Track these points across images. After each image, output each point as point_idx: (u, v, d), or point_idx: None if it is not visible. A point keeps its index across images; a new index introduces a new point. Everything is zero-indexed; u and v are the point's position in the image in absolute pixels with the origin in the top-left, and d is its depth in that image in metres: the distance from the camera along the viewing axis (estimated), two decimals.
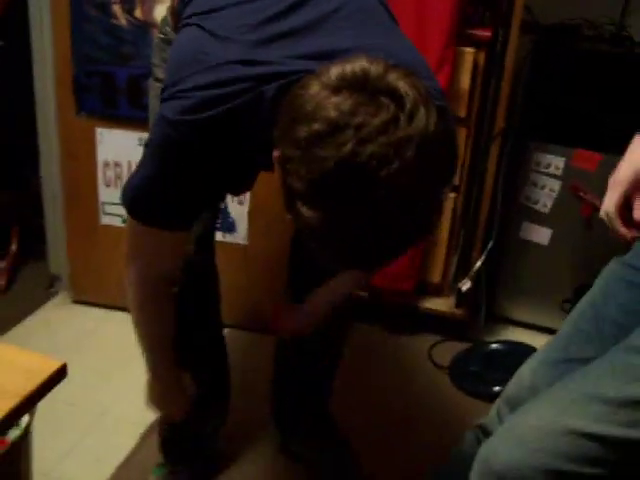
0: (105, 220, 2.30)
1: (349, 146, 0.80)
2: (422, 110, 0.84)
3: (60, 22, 2.08)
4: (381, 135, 0.81)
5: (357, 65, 0.86)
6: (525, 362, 1.20)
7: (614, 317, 1.05)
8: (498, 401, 1.24)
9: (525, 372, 1.18)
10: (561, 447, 0.91)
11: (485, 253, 2.27)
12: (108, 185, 2.25)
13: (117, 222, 2.26)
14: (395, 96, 0.84)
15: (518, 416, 1.01)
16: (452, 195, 2.24)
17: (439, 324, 2.38)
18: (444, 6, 1.99)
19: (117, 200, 2.20)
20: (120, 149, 2.19)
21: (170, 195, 1.13)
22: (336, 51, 1.00)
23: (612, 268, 1.11)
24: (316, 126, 0.83)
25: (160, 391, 1.48)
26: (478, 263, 2.27)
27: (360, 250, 0.87)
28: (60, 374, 0.81)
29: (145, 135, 1.59)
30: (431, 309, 2.36)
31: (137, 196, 1.16)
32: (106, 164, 2.22)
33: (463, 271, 2.34)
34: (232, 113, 1.03)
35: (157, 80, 1.46)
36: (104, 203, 2.28)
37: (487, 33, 2.07)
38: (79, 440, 1.86)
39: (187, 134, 1.06)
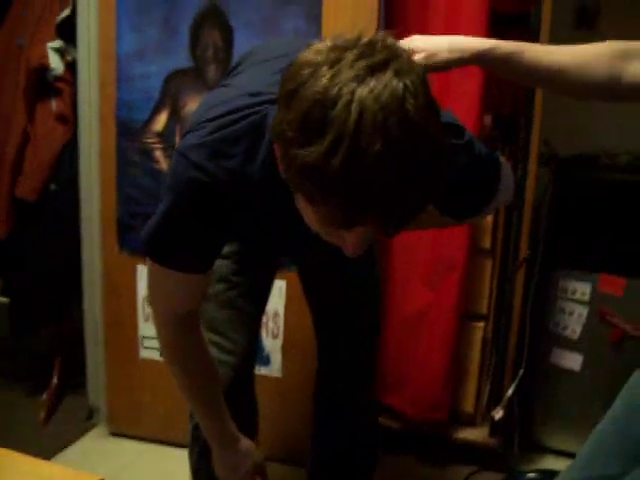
0: (144, 354, 2.37)
1: (326, 78, 0.83)
2: (423, 89, 0.85)
3: (107, 167, 2.24)
4: (356, 63, 0.83)
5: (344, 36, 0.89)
6: None
7: (638, 435, 1.07)
8: None
9: None
10: None
11: (516, 381, 2.28)
12: (147, 320, 2.33)
13: (156, 356, 2.33)
14: (392, 70, 0.84)
15: None
16: (481, 324, 2.29)
17: (473, 454, 2.35)
18: None
19: (155, 334, 2.31)
20: None
21: (182, 234, 1.15)
22: None
23: (635, 382, 1.14)
24: (298, 77, 0.86)
25: (217, 453, 1.45)
26: (510, 391, 2.28)
27: (358, 198, 0.84)
28: None
29: None
30: (465, 439, 2.35)
31: (152, 234, 1.17)
32: (146, 299, 2.32)
33: (495, 400, 2.34)
34: (238, 137, 1.07)
35: None
36: (144, 337, 2.35)
37: None
38: None
39: (200, 166, 1.08)
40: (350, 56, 0.84)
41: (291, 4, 2.02)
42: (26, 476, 0.85)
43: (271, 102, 1.04)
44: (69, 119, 2.34)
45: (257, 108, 1.09)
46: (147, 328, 2.33)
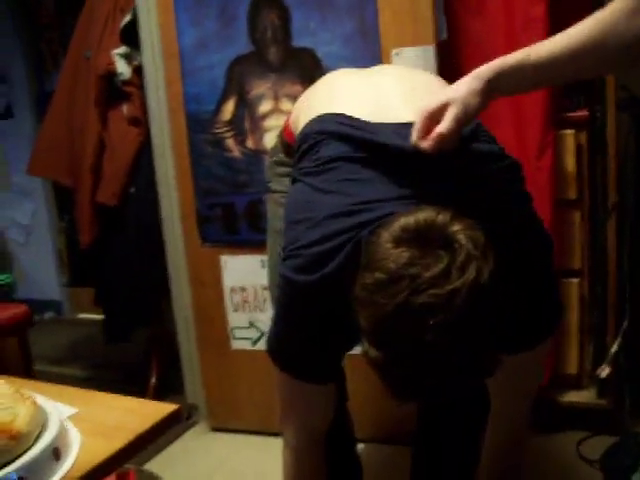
0: (236, 345, 2.38)
1: (403, 295, 0.91)
2: (474, 263, 0.92)
3: (182, 163, 2.28)
4: (432, 287, 0.90)
5: (421, 216, 0.96)
6: None
7: None
8: None
9: None
10: None
11: (620, 335, 2.17)
12: (236, 310, 2.34)
13: (247, 346, 2.34)
14: (450, 249, 0.92)
15: None
16: (576, 280, 2.20)
17: (584, 417, 2.25)
18: (539, 95, 2.05)
19: (246, 324, 2.33)
20: (244, 274, 2.30)
21: (300, 345, 1.22)
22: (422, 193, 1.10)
23: None
24: (377, 275, 0.94)
25: None
26: (614, 347, 2.17)
27: (415, 386, 0.97)
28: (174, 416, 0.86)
29: (265, 257, 1.70)
30: (572, 402, 2.25)
31: (274, 347, 1.27)
32: (233, 289, 2.33)
33: (601, 358, 2.24)
34: (339, 267, 1.11)
35: (272, 192, 1.59)
36: (233, 328, 2.36)
37: (584, 113, 2.10)
38: None
39: (303, 293, 1.16)
40: (427, 273, 0.91)
41: None
42: (112, 409, 0.87)
43: (362, 226, 1.09)
44: (141, 121, 2.40)
45: (348, 235, 1.11)
46: (236, 319, 2.34)
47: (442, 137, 1.10)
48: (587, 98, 2.19)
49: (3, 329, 1.82)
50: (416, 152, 1.12)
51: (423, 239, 0.94)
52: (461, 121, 1.11)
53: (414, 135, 1.12)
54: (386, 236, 0.96)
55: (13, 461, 0.77)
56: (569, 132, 2.11)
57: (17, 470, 0.75)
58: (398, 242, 0.95)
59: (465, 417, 1.54)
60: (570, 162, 2.11)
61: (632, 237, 2.19)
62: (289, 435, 1.36)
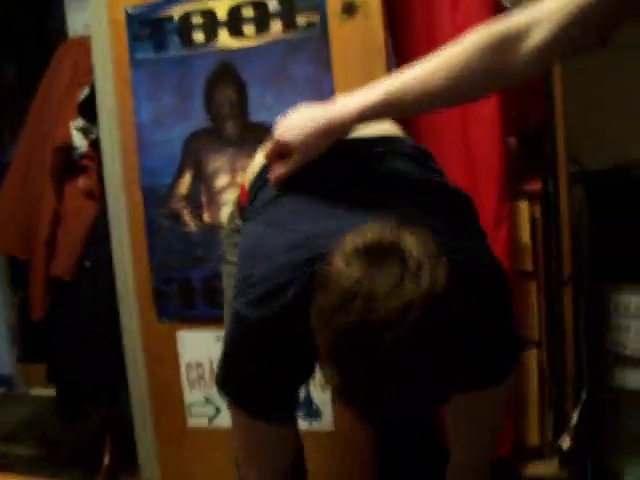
0: (192, 422, 2.32)
1: (358, 313, 0.89)
2: (427, 272, 0.90)
3: (137, 236, 2.25)
4: (386, 301, 0.89)
5: (369, 233, 0.96)
6: None
7: None
8: None
9: None
10: None
11: (579, 407, 2.18)
12: (193, 386, 2.29)
13: (204, 423, 2.28)
14: (402, 260, 0.91)
15: None
16: (534, 352, 2.21)
17: None
18: (493, 165, 2.09)
19: (202, 400, 2.28)
20: (200, 349, 2.26)
21: (252, 378, 1.20)
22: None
23: None
24: (331, 296, 0.93)
25: None
26: (574, 418, 2.18)
27: (379, 404, 0.94)
28: None
29: (221, 332, 1.68)
30: (535, 473, 2.24)
31: (224, 383, 1.26)
32: (189, 366, 2.28)
33: (562, 428, 2.23)
34: (293, 299, 1.10)
35: (227, 262, 1.59)
36: (190, 405, 2.31)
37: (538, 186, 2.15)
38: None
39: (254, 327, 1.15)
40: (380, 288, 0.89)
41: (299, 51, 2.04)
42: None
43: (312, 261, 1.07)
44: (97, 194, 2.39)
45: (300, 271, 1.10)
46: (193, 395, 2.29)
47: (279, 179, 1.22)
48: (539, 168, 2.24)
49: None
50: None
51: (374, 255, 0.93)
52: (300, 165, 1.20)
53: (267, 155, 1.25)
54: (337, 259, 0.95)
55: None
56: (524, 204, 2.15)
57: None
58: (349, 262, 0.94)
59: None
60: (525, 234, 2.15)
61: (587, 308, 2.22)
62: (250, 477, 1.33)
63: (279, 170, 1.23)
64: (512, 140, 2.29)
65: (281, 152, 1.23)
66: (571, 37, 1.04)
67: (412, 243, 0.93)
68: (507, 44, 1.08)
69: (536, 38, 1.05)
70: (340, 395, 0.98)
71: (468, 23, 2.04)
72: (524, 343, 1.27)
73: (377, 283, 0.90)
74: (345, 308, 0.90)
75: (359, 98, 1.17)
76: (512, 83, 1.15)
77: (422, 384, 0.92)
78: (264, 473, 1.31)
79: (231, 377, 1.25)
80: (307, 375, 1.46)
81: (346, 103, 1.19)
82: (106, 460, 2.55)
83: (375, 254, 0.93)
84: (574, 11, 1.01)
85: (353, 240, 0.96)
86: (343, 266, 0.93)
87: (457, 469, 1.40)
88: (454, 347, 0.93)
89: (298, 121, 1.23)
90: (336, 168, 1.25)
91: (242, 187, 1.55)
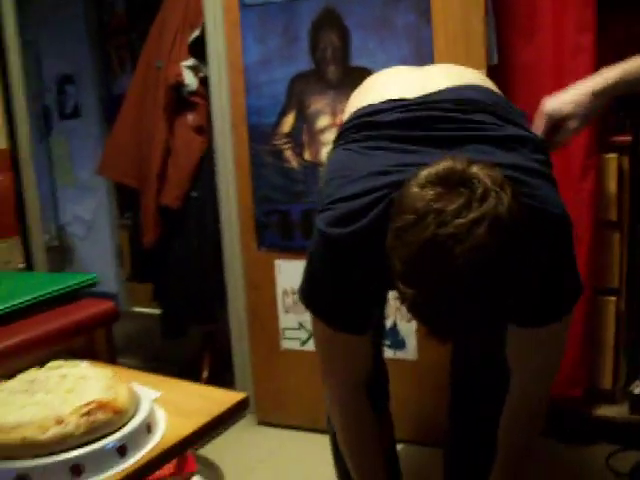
0: (285, 345, 2.51)
1: (430, 230, 0.99)
2: (492, 194, 1.01)
3: (242, 171, 2.42)
4: (456, 218, 0.99)
5: (441, 165, 1.06)
6: None
7: None
8: None
9: None
10: None
11: None
12: (287, 312, 2.47)
13: (296, 346, 2.47)
14: (469, 184, 1.02)
15: None
16: (613, 298, 2.28)
17: (615, 432, 2.32)
18: None
19: (296, 325, 2.46)
20: (296, 278, 2.38)
21: (332, 294, 1.30)
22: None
23: None
24: (406, 216, 1.03)
25: None
26: None
27: (450, 318, 1.04)
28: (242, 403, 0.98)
29: None
30: (604, 416, 2.32)
31: (307, 295, 1.37)
32: (285, 292, 2.46)
33: (635, 375, 2.31)
34: (371, 222, 1.20)
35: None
36: (284, 329, 2.50)
37: (627, 138, 2.18)
38: None
39: (335, 245, 1.24)
40: (450, 207, 1.00)
41: (401, 1, 2.12)
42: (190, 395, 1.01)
43: (396, 185, 1.16)
44: (205, 130, 2.56)
45: (382, 192, 1.20)
46: (287, 320, 2.47)
47: (561, 146, 1.36)
48: (632, 122, 2.27)
49: (94, 322, 1.99)
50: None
51: (445, 181, 1.03)
52: (578, 133, 1.37)
53: (537, 129, 1.35)
54: (412, 184, 1.06)
55: (115, 432, 0.92)
56: (612, 156, 2.19)
57: (119, 440, 0.90)
58: (423, 186, 1.04)
59: (491, 418, 1.61)
60: (612, 185, 2.20)
61: None
62: (331, 389, 1.46)
63: (563, 136, 1.38)
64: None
65: (556, 124, 1.38)
66: None
67: (481, 173, 1.03)
68: None
69: None
70: (412, 308, 1.07)
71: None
72: (582, 288, 1.33)
73: (447, 204, 1.00)
74: (419, 225, 1.00)
75: (618, 70, 1.35)
76: None
77: (486, 297, 1.02)
78: (343, 381, 1.43)
79: (311, 290, 1.35)
80: (381, 296, 1.57)
81: (605, 75, 1.37)
82: (205, 374, 2.76)
83: (447, 181, 1.03)
84: None
85: (428, 170, 1.06)
86: (418, 190, 1.04)
87: (515, 401, 1.47)
88: (516, 269, 1.02)
89: (566, 97, 1.39)
90: (422, 120, 1.34)
91: (340, 124, 1.65)
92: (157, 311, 3.08)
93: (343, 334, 1.35)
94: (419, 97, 1.39)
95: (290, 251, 2.40)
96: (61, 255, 4.19)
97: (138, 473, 0.90)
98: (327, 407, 1.57)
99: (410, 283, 1.03)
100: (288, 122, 2.32)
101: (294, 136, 2.32)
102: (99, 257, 4.12)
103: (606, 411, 2.35)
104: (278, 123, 2.33)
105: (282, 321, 2.49)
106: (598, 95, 1.36)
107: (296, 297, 2.43)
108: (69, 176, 4.14)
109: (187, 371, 2.91)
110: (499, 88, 2.09)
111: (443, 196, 1.01)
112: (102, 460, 0.91)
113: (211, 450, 2.45)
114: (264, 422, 2.63)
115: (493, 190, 1.01)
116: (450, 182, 1.03)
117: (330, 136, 2.26)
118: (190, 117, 2.57)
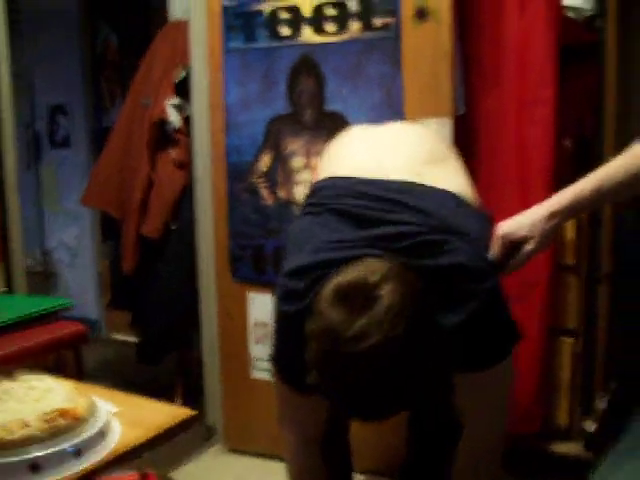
0: (256, 374, 2.59)
1: (330, 346, 1.13)
2: (390, 319, 1.11)
3: (219, 206, 2.53)
4: (354, 342, 1.11)
5: (353, 276, 1.18)
6: None
7: None
8: None
9: None
10: None
11: (609, 394, 2.34)
12: (257, 342, 2.56)
13: (266, 376, 2.53)
14: (373, 304, 1.14)
15: None
16: (570, 340, 2.39)
17: (570, 468, 2.40)
18: (543, 164, 2.27)
19: (266, 356, 2.53)
20: (268, 311, 2.49)
21: (286, 357, 1.44)
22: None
23: None
24: (314, 325, 1.18)
25: None
26: (602, 404, 2.34)
27: (351, 409, 1.20)
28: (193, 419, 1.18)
29: None
30: (559, 452, 2.42)
31: (272, 356, 1.51)
32: (256, 324, 2.55)
33: (589, 413, 2.40)
34: (304, 309, 1.30)
35: None
36: (255, 359, 2.58)
37: None
38: None
39: (283, 318, 1.42)
40: (349, 331, 1.13)
41: (375, 50, 2.25)
42: (145, 409, 1.12)
43: (328, 264, 1.29)
44: (186, 165, 2.67)
45: (317, 273, 1.31)
46: (258, 350, 2.56)
47: (516, 269, 1.37)
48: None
49: (64, 343, 2.10)
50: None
51: (350, 300, 1.15)
52: (533, 256, 1.37)
53: (493, 252, 1.37)
54: (325, 292, 1.19)
55: (73, 437, 1.02)
56: None
57: (76, 444, 1.01)
58: (331, 301, 1.17)
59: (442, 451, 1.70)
60: (570, 230, 2.32)
61: (624, 305, 2.37)
62: (286, 437, 1.58)
63: (519, 260, 1.39)
64: (568, 142, 2.45)
65: (512, 247, 1.38)
66: None
67: (388, 291, 1.14)
68: None
69: None
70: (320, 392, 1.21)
71: (533, 28, 2.23)
72: (518, 332, 1.42)
73: (346, 327, 1.12)
74: (321, 338, 1.15)
75: (572, 190, 1.39)
76: None
77: (382, 399, 1.16)
78: (298, 435, 1.56)
79: (273, 352, 1.50)
80: None
81: (561, 195, 1.41)
82: (177, 401, 2.84)
83: (351, 300, 1.15)
84: None
85: (338, 280, 1.19)
86: (326, 306, 1.17)
87: (469, 443, 1.55)
88: (411, 372, 1.15)
89: (521, 220, 1.39)
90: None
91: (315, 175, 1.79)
92: (135, 339, 3.16)
93: (296, 392, 1.46)
94: (377, 184, 1.47)
95: (262, 284, 2.50)
96: (46, 280, 4.27)
97: (91, 474, 1.01)
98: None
99: (315, 372, 1.19)
100: (265, 161, 2.44)
101: (270, 175, 2.44)
102: (82, 283, 4.20)
103: (561, 448, 2.44)
104: (255, 162, 2.45)
105: (253, 351, 2.58)
106: (554, 216, 1.37)
107: (266, 329, 2.53)
108: (56, 203, 4.24)
109: (160, 397, 2.98)
110: (464, 136, 2.23)
111: (345, 317, 1.14)
112: (60, 460, 1.02)
113: (179, 475, 2.52)
114: (233, 450, 2.70)
115: (394, 313, 1.13)
116: (354, 302, 1.15)
117: (304, 176, 2.38)
118: (173, 153, 2.68)
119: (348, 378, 1.13)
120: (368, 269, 1.18)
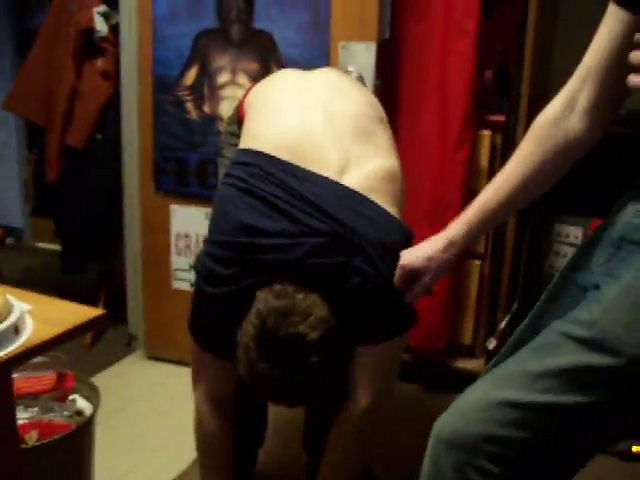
0: (176, 285, 2.67)
1: (250, 359, 1.34)
2: (303, 357, 1.31)
3: (145, 117, 2.55)
4: (264, 362, 1.32)
5: (279, 301, 1.34)
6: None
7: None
8: None
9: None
10: (494, 416, 1.13)
11: (510, 314, 2.50)
12: (179, 254, 2.63)
13: (186, 287, 2.63)
14: (292, 344, 1.32)
15: (464, 395, 1.25)
16: (478, 262, 2.53)
17: (471, 382, 2.57)
18: (463, 93, 2.35)
19: (187, 267, 2.62)
20: (190, 223, 2.58)
21: (203, 323, 1.53)
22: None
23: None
24: (244, 338, 1.35)
25: None
26: (502, 323, 2.51)
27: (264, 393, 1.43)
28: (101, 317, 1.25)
29: (209, 210, 1.96)
30: (463, 368, 2.59)
31: (189, 320, 1.57)
32: (178, 236, 2.61)
33: (491, 332, 2.57)
34: (237, 289, 1.43)
35: (223, 157, 1.84)
36: (176, 270, 2.65)
37: (501, 118, 2.40)
38: (137, 460, 2.19)
39: (204, 295, 1.48)
40: (260, 365, 1.33)
41: None
42: (57, 309, 1.25)
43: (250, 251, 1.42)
44: (112, 76, 2.65)
45: (241, 256, 1.43)
46: (179, 261, 2.63)
47: (419, 298, 1.43)
48: (508, 104, 2.49)
49: None
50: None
51: (270, 339, 1.32)
52: (431, 285, 1.41)
53: (395, 280, 1.41)
54: (252, 313, 1.35)
55: None
56: (486, 133, 2.42)
57: None
58: (262, 319, 1.32)
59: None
60: (484, 159, 2.43)
61: (533, 234, 2.51)
62: (197, 396, 1.65)
63: (417, 291, 1.41)
64: (489, 73, 2.53)
65: (411, 277, 1.39)
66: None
67: (296, 328, 1.31)
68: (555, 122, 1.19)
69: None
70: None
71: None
72: (413, 317, 1.53)
73: (263, 365, 1.32)
74: (246, 352, 1.34)
75: (462, 217, 1.35)
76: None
77: (290, 392, 1.38)
78: (208, 394, 1.62)
79: (190, 321, 1.56)
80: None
81: (454, 225, 1.36)
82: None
83: (271, 339, 1.31)
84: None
85: (266, 310, 1.33)
86: (257, 322, 1.33)
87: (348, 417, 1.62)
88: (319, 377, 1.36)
89: (419, 252, 1.38)
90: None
91: (241, 103, 1.77)
92: (59, 247, 3.17)
93: (209, 355, 1.55)
94: (299, 177, 1.48)
95: (185, 197, 2.55)
96: None
97: (5, 364, 1.08)
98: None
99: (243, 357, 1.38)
100: (191, 75, 2.45)
101: (195, 89, 2.46)
102: (6, 190, 4.14)
103: (465, 364, 2.62)
104: (181, 76, 2.46)
105: (174, 262, 2.65)
106: (452, 245, 1.34)
107: (188, 241, 2.60)
108: None
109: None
110: (389, 62, 2.27)
111: (262, 355, 1.32)
112: None
113: (99, 380, 2.59)
114: (153, 357, 2.80)
115: (309, 347, 1.31)
116: (273, 342, 1.32)
117: (229, 92, 2.41)
118: (99, 62, 2.65)
119: (262, 380, 1.35)
120: (290, 299, 1.34)
